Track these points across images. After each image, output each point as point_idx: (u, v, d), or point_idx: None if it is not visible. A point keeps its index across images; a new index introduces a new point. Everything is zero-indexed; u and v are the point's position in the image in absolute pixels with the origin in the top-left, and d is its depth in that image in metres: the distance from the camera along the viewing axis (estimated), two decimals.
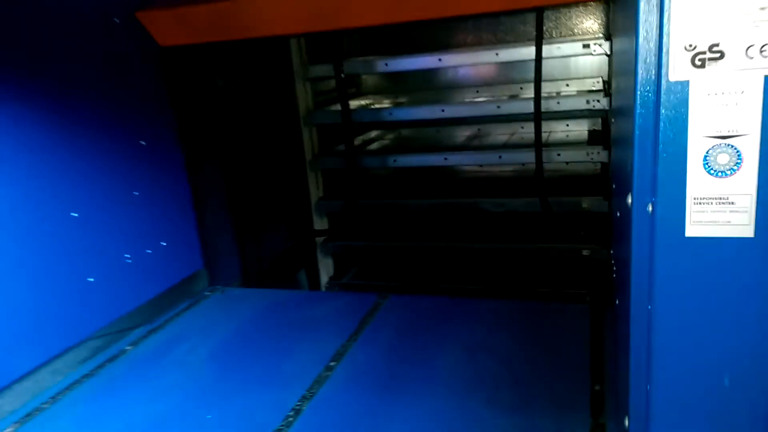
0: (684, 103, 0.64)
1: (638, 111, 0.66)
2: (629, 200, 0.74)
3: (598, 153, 2.25)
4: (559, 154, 2.31)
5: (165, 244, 1.78)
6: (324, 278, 2.80)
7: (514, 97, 2.76)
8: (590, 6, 2.65)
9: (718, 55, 0.61)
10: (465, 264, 2.65)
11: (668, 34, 0.62)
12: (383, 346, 1.56)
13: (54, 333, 1.48)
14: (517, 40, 2.77)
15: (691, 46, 0.62)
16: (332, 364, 1.48)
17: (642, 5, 0.62)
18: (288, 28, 1.73)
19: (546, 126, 2.42)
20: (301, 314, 1.78)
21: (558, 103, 2.29)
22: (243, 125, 2.31)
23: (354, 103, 2.86)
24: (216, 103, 2.18)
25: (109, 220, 1.61)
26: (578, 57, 2.66)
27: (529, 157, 2.29)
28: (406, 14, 1.58)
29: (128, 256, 1.65)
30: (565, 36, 2.73)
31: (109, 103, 1.64)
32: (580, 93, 2.66)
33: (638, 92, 0.65)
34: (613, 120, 1.51)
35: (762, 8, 0.58)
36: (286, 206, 2.67)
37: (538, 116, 2.18)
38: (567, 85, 2.81)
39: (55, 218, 1.46)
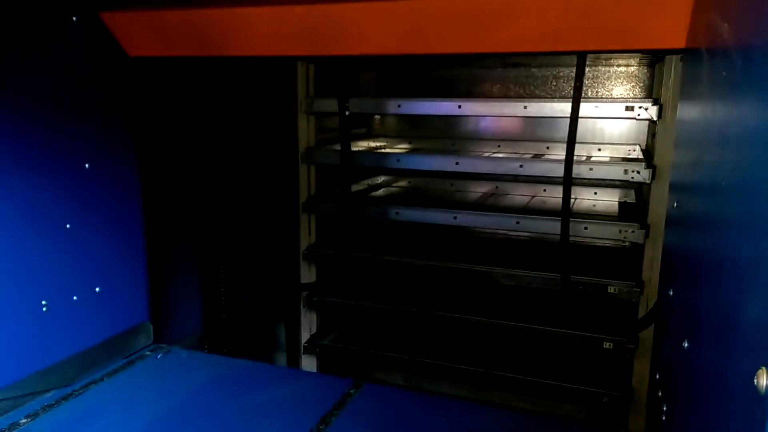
0: None
1: None
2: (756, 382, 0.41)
3: (633, 232, 1.92)
4: (586, 228, 1.98)
5: (99, 290, 1.46)
6: (305, 335, 2.47)
7: (538, 156, 2.45)
8: (631, 68, 2.36)
9: None
10: (466, 338, 2.30)
11: None
12: None
13: None
14: (549, 95, 2.50)
15: None
16: None
17: None
18: (279, 49, 1.44)
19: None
20: (254, 394, 1.44)
21: (591, 169, 1.96)
22: (223, 151, 2.02)
23: (362, 145, 2.58)
24: (190, 124, 1.90)
25: (31, 257, 1.30)
26: (612, 120, 2.38)
27: (552, 226, 1.97)
28: (419, 47, 1.29)
29: (45, 302, 1.33)
30: (602, 96, 2.44)
31: (55, 113, 1.36)
32: (614, 160, 2.35)
33: None
34: (675, 203, 1.18)
35: None
36: (270, 249, 2.36)
37: (568, 181, 1.85)
38: (599, 149, 2.51)
39: None
